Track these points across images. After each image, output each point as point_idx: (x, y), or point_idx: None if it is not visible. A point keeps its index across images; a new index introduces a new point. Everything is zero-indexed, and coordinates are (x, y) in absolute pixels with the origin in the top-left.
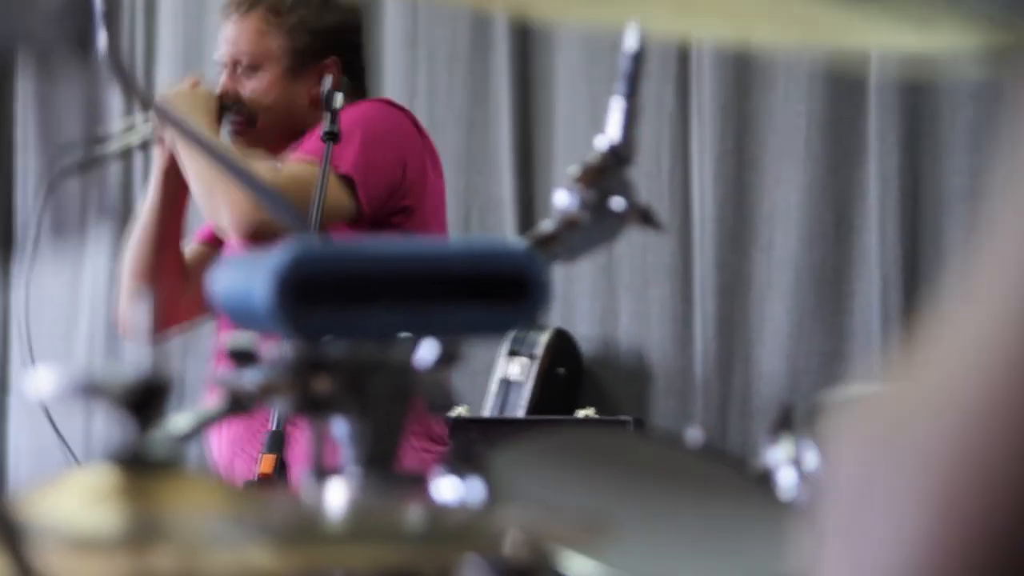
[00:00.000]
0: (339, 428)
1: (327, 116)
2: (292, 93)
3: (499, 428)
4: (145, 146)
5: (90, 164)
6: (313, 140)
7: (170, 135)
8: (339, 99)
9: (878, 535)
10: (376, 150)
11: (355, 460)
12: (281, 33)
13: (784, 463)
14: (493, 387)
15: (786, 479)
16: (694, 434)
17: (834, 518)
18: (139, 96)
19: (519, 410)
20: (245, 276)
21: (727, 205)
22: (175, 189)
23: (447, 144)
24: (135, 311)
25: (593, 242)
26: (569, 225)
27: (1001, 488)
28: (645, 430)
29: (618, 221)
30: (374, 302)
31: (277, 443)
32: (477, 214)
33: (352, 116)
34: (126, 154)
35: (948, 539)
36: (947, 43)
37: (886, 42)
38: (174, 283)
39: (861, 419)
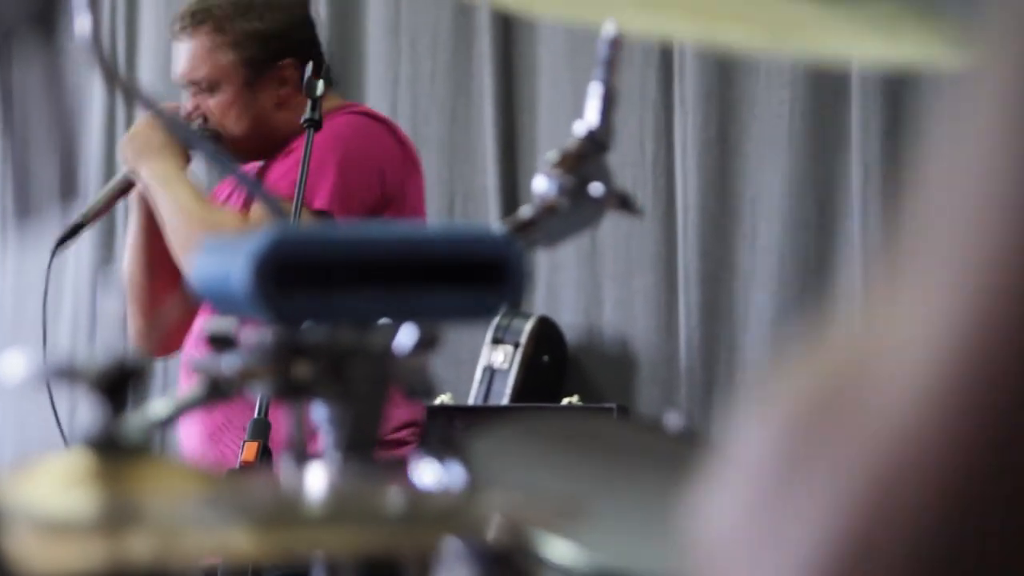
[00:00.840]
0: (318, 413)
1: (308, 104)
2: (256, 103)
3: (484, 416)
4: (126, 190)
5: (77, 229)
6: (285, 165)
7: (144, 175)
8: (319, 87)
9: (803, 517)
10: (352, 175)
11: (335, 445)
12: (229, 48)
13: None
14: (477, 375)
15: None
16: (673, 418)
17: (749, 496)
18: (121, 85)
19: (503, 398)
20: (223, 260)
21: (710, 193)
22: (154, 214)
23: (430, 132)
24: (142, 334)
25: (572, 228)
26: (548, 211)
27: (932, 475)
28: (626, 415)
29: (597, 207)
30: (352, 286)
31: (261, 430)
32: (460, 202)
33: (326, 138)
34: (110, 203)
35: (878, 525)
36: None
37: (858, 49)
38: (175, 300)
39: (780, 398)
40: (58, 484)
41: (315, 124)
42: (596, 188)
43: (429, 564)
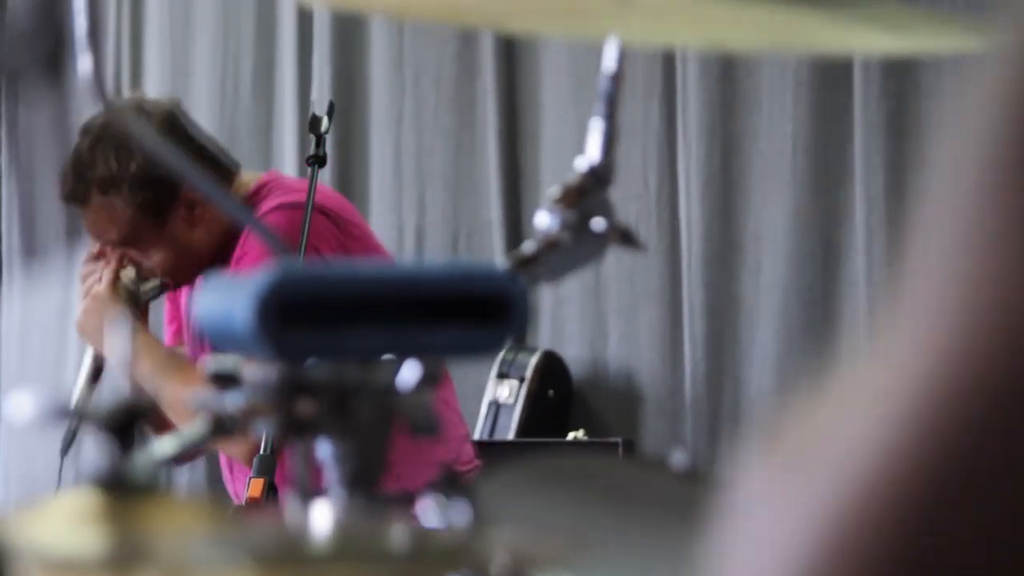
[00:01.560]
0: (323, 450)
1: (313, 140)
2: (177, 238)
3: (489, 451)
4: (101, 368)
5: (75, 434)
6: (245, 259)
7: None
8: (324, 123)
9: (769, 536)
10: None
11: (339, 482)
12: (125, 205)
13: None
14: (483, 410)
15: None
16: (679, 457)
17: (732, 526)
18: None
19: (509, 432)
20: (226, 298)
21: (714, 227)
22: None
23: (434, 167)
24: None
25: (575, 263)
26: (550, 246)
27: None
28: (632, 453)
29: (599, 241)
30: (356, 323)
31: (266, 467)
32: (464, 236)
33: (255, 254)
34: (93, 388)
35: (849, 535)
36: (924, 46)
37: (863, 45)
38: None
39: (769, 446)
40: (66, 523)
41: (320, 161)
42: (598, 223)
43: None
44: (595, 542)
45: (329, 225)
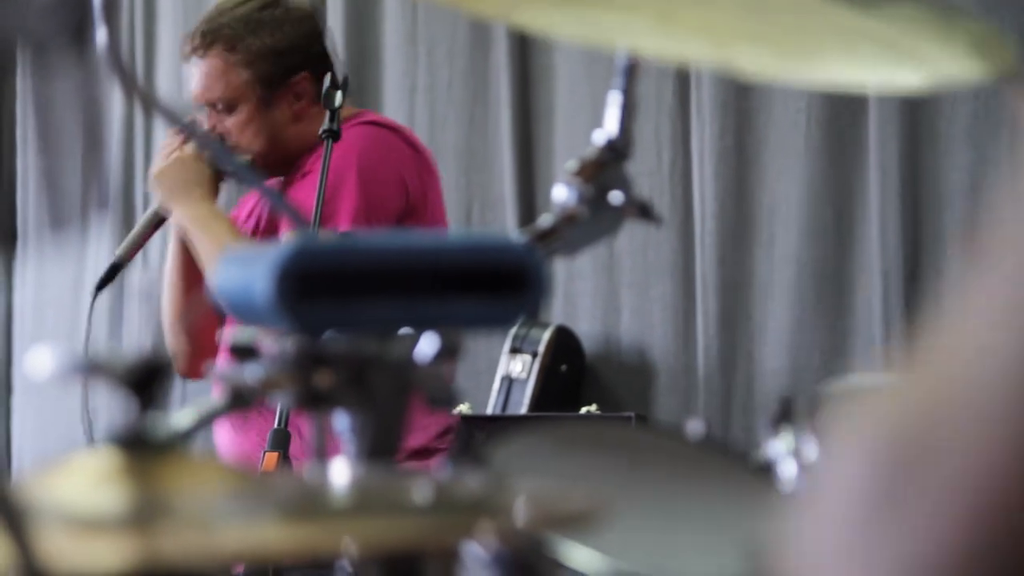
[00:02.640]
0: (341, 422)
1: (327, 115)
2: (272, 120)
3: (502, 425)
4: (158, 224)
5: (115, 271)
6: (304, 189)
7: (179, 215)
8: (339, 98)
9: (899, 541)
10: (373, 189)
11: (357, 454)
12: (242, 67)
13: (784, 455)
14: (496, 385)
15: (786, 471)
16: (695, 426)
17: (845, 518)
18: (139, 94)
19: (521, 407)
20: (245, 271)
21: (728, 202)
22: (191, 258)
23: (447, 141)
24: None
25: (592, 236)
26: (568, 220)
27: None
28: (647, 423)
29: (616, 215)
30: (374, 296)
31: (281, 441)
32: (478, 211)
33: (344, 154)
34: (144, 239)
35: (972, 555)
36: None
37: (874, 75)
38: (210, 323)
39: (871, 419)
40: (88, 481)
41: (334, 135)
42: (616, 196)
43: (453, 571)
44: (614, 503)
45: (408, 150)
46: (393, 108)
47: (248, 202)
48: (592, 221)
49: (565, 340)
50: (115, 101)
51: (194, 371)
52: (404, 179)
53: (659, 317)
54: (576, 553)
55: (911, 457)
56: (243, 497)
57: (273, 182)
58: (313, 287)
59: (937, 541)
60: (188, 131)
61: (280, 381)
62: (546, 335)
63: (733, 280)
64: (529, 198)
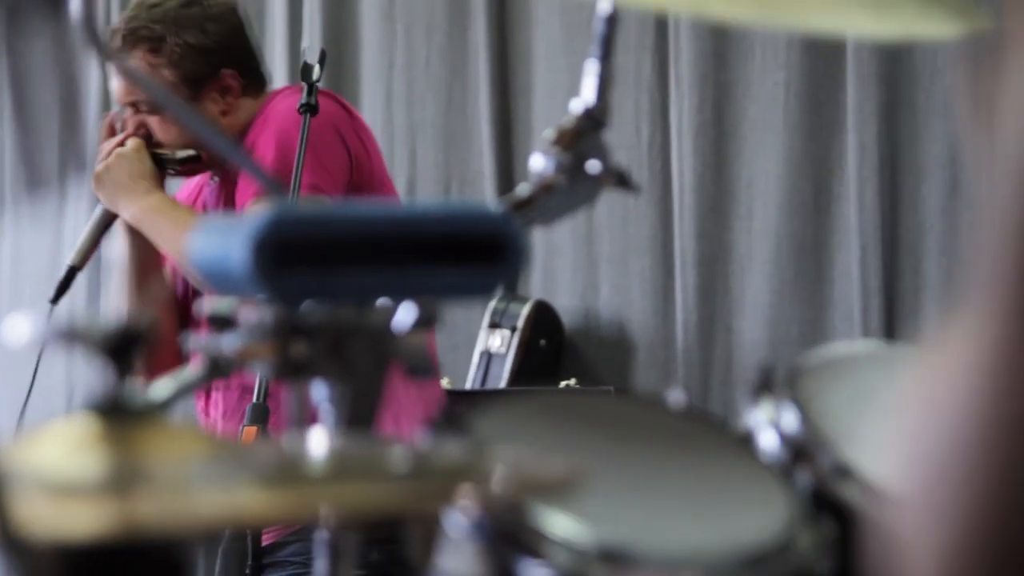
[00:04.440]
0: (319, 392)
1: (304, 88)
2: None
3: (481, 400)
4: (108, 223)
5: (70, 277)
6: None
7: (129, 212)
8: (316, 72)
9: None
10: (323, 149)
11: (335, 423)
12: (168, 67)
13: (764, 425)
14: (475, 359)
15: (766, 441)
16: (676, 396)
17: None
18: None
19: (501, 382)
20: (222, 240)
21: (706, 175)
22: (143, 257)
23: (425, 118)
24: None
25: (569, 205)
26: (545, 188)
27: None
28: (627, 393)
29: (594, 184)
30: (352, 265)
31: (259, 416)
32: (456, 187)
33: (283, 125)
34: (96, 241)
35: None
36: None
37: (851, 24)
38: (166, 320)
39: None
40: (66, 448)
41: (312, 109)
42: (593, 165)
43: (434, 539)
44: (594, 472)
45: (342, 112)
46: (371, 85)
47: (184, 191)
48: (570, 190)
49: (544, 314)
50: (91, 70)
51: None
52: (344, 140)
53: (638, 291)
54: (557, 521)
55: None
56: (221, 463)
57: (198, 180)
58: (291, 256)
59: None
60: (163, 99)
61: (258, 351)
62: (525, 310)
63: (712, 253)
64: (508, 174)
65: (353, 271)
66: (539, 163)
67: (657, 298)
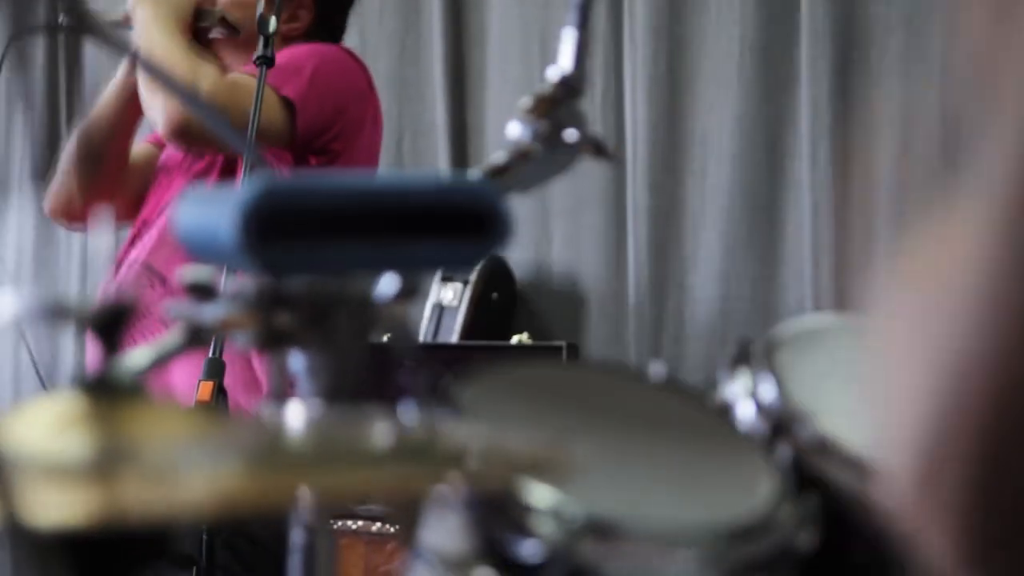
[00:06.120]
0: (298, 362)
1: (260, 40)
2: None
3: (433, 353)
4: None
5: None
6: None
7: (141, 14)
8: (272, 24)
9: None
10: (322, 87)
11: (314, 394)
12: None
13: (742, 396)
14: (427, 312)
15: (744, 412)
16: (657, 369)
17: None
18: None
19: (453, 335)
20: (210, 211)
21: (660, 129)
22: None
23: (378, 69)
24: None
25: (546, 173)
26: (522, 157)
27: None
28: (576, 356)
29: (570, 152)
30: (340, 237)
31: (215, 370)
32: (409, 139)
33: (310, 50)
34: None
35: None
36: None
37: None
38: (114, 174)
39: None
40: (51, 427)
41: (268, 62)
42: (571, 134)
43: (417, 511)
44: (578, 444)
45: (363, 82)
46: None
47: None
48: (546, 158)
49: (496, 268)
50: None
51: (82, 213)
52: (346, 102)
53: (590, 245)
54: (544, 494)
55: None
56: (206, 445)
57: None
58: (278, 228)
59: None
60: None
61: (240, 321)
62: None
63: (664, 209)
64: (461, 128)
65: (341, 243)
66: (515, 131)
67: (609, 252)
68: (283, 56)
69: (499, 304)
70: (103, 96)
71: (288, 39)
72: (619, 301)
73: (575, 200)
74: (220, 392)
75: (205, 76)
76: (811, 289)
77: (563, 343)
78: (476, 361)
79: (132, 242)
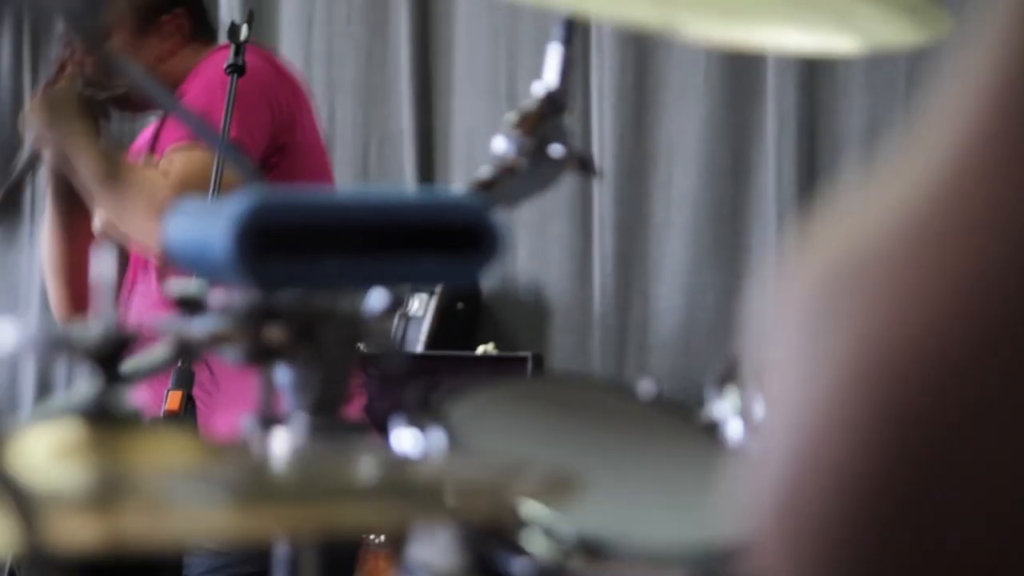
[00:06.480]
0: (285, 376)
1: (232, 48)
2: (144, 52)
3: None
4: (34, 164)
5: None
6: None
7: (57, 142)
8: (244, 31)
9: (837, 351)
10: (246, 105)
11: (301, 408)
12: None
13: (731, 415)
14: (392, 322)
15: (733, 430)
16: (647, 386)
17: (790, 327)
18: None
19: (418, 345)
20: (201, 225)
21: (627, 140)
22: (69, 197)
23: (345, 76)
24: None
25: (531, 189)
26: (507, 172)
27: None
28: (541, 368)
29: (556, 168)
30: (333, 252)
31: (184, 380)
32: (375, 146)
33: (213, 77)
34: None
35: (895, 359)
36: (874, 40)
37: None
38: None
39: (806, 264)
40: (50, 455)
41: (239, 70)
42: (556, 149)
43: (404, 535)
44: (576, 473)
45: (269, 68)
46: (290, 41)
47: (145, 134)
48: (531, 174)
49: None
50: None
51: (72, 317)
52: (270, 98)
53: (556, 256)
54: (536, 512)
55: (848, 275)
56: (200, 478)
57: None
58: (272, 243)
59: (868, 353)
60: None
61: (228, 335)
62: None
63: (630, 220)
64: (427, 134)
65: (334, 259)
66: (501, 146)
67: (575, 263)
68: (192, 102)
69: (464, 314)
70: (47, 221)
71: (172, 53)
72: (584, 311)
73: (541, 211)
74: (189, 402)
75: (155, 187)
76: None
77: (528, 354)
78: (441, 371)
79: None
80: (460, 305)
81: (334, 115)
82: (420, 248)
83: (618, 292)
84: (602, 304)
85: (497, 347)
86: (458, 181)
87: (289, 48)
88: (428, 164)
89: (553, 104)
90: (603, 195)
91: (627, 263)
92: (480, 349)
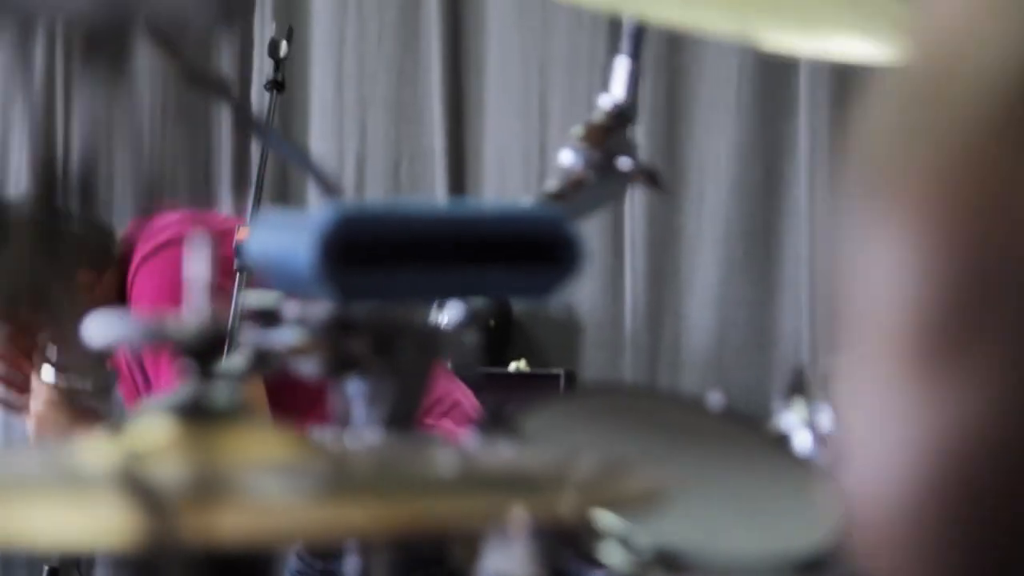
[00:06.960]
0: (360, 388)
1: (273, 64)
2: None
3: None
4: None
5: None
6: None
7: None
8: (284, 48)
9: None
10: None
11: (376, 421)
12: None
13: (799, 426)
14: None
15: (802, 442)
16: (716, 398)
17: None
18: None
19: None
20: (286, 237)
21: (658, 157)
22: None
23: (377, 93)
24: None
25: (597, 201)
26: (575, 184)
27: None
28: (573, 384)
29: (623, 180)
30: (414, 264)
31: None
32: (406, 163)
33: (155, 286)
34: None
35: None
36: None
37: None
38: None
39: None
40: (145, 452)
41: (278, 86)
42: (624, 162)
43: (480, 536)
44: (667, 480)
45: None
46: (322, 59)
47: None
48: (598, 186)
49: None
50: None
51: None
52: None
53: (587, 273)
54: (612, 522)
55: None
56: (297, 473)
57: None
58: (356, 255)
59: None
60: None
61: (308, 347)
62: None
63: (661, 236)
64: (459, 152)
65: (415, 271)
66: (568, 159)
67: (606, 280)
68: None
69: (496, 331)
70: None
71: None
72: (616, 329)
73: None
74: None
75: None
76: (807, 316)
77: (561, 370)
78: (473, 388)
79: None
80: (492, 322)
81: (365, 132)
82: (499, 261)
83: (650, 308)
84: (633, 320)
85: (528, 364)
86: (489, 197)
87: (321, 66)
88: (459, 181)
89: (620, 117)
90: (634, 211)
91: (659, 280)
92: (512, 366)
